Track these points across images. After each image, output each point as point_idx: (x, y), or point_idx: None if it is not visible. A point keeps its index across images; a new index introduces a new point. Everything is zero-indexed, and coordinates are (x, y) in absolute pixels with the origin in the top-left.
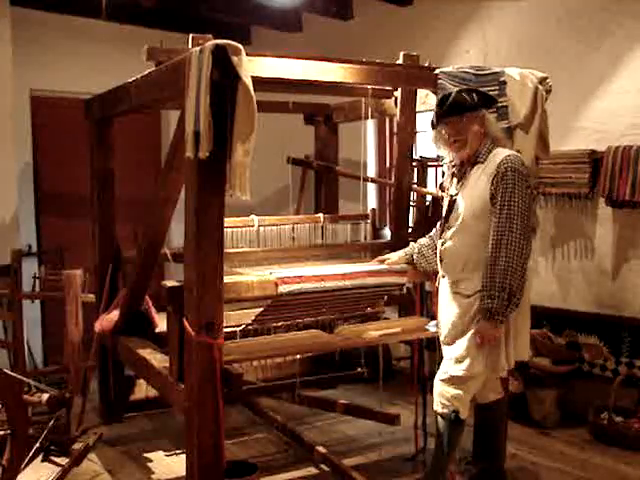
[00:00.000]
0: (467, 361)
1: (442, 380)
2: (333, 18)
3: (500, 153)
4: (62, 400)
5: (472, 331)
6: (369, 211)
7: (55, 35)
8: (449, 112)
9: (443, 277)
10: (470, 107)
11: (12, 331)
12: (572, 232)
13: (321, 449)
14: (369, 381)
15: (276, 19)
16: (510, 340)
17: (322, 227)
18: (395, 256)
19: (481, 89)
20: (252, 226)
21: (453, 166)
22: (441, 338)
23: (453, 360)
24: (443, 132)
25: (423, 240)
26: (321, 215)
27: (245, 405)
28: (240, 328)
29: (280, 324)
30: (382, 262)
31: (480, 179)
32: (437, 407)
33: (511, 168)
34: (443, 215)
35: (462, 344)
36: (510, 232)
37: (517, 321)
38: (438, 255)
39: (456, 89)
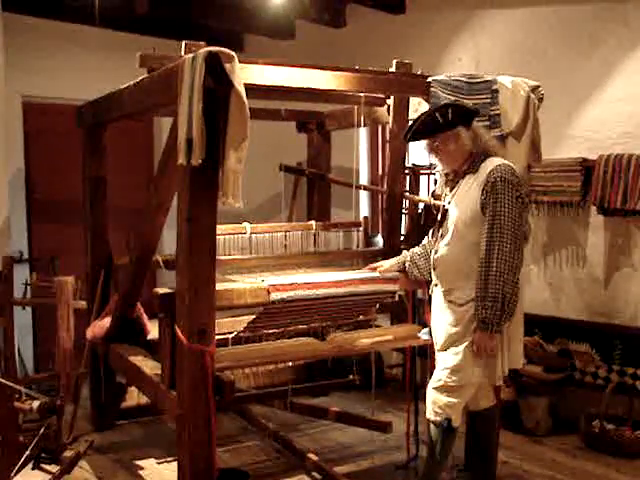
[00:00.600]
0: (463, 371)
1: (435, 388)
2: (326, 26)
3: (491, 162)
4: (53, 407)
5: (468, 341)
6: (361, 219)
7: (47, 41)
8: (416, 137)
9: (436, 286)
10: (440, 127)
11: (3, 338)
12: (564, 240)
13: (313, 457)
14: (361, 388)
15: (269, 26)
16: (504, 348)
17: (314, 235)
18: (387, 263)
19: (473, 97)
20: (244, 233)
21: (446, 175)
22: (435, 347)
23: (448, 369)
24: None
25: (416, 249)
26: (313, 223)
27: (237, 412)
28: (232, 335)
29: (272, 331)
30: (374, 269)
31: (472, 189)
32: (430, 415)
33: (501, 178)
34: (436, 224)
35: (458, 353)
36: (501, 242)
37: (510, 329)
38: (431, 264)
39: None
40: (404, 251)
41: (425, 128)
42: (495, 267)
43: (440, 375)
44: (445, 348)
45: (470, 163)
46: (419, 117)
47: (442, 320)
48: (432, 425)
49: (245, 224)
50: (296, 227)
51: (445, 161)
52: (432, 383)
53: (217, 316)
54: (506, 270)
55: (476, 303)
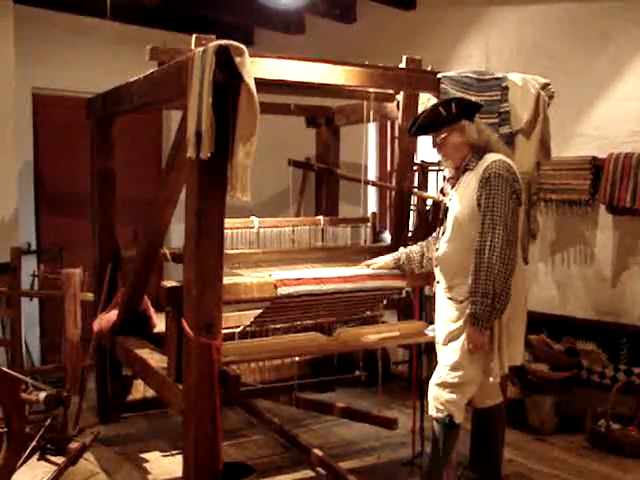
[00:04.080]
0: (462, 367)
1: (437, 384)
2: (336, 21)
3: (489, 159)
4: (59, 399)
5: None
6: (369, 215)
7: (58, 34)
8: (420, 132)
9: (438, 283)
10: (444, 122)
11: (10, 329)
12: (572, 238)
13: (318, 452)
14: (367, 384)
15: (279, 21)
16: (504, 345)
17: (322, 230)
18: (382, 260)
19: (483, 94)
20: (252, 227)
21: (454, 172)
22: (437, 343)
23: (448, 366)
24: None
25: (413, 247)
26: (321, 218)
27: (242, 407)
28: (239, 329)
29: (279, 326)
30: (368, 267)
31: (469, 185)
32: (432, 411)
33: (495, 174)
34: (439, 221)
35: (456, 350)
36: (493, 238)
37: (510, 326)
38: (434, 261)
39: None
40: (401, 248)
41: (429, 122)
42: (486, 262)
43: (441, 372)
44: (446, 344)
45: (470, 159)
46: (423, 111)
47: (443, 316)
48: (434, 422)
49: (253, 218)
50: (304, 222)
51: (449, 155)
52: (433, 379)
53: (224, 310)
54: (497, 267)
55: (469, 298)
